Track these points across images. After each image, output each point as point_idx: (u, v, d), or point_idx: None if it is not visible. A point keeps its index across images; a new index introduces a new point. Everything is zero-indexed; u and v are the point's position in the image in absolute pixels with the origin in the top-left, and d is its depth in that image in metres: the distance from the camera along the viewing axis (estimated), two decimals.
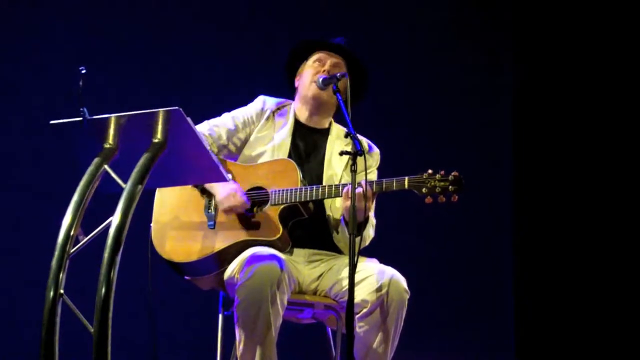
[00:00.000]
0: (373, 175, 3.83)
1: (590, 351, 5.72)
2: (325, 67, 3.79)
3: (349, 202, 3.36)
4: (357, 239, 3.30)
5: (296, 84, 3.90)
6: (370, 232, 3.71)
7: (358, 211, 3.35)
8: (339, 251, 3.75)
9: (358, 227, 3.41)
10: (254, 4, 5.75)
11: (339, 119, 3.84)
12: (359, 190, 3.40)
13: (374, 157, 3.88)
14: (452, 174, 3.47)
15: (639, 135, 5.79)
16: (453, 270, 5.85)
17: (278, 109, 3.87)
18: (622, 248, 5.75)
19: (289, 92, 3.94)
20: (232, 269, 3.53)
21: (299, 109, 3.87)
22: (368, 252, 3.72)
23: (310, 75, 3.80)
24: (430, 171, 3.48)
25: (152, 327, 3.57)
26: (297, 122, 3.85)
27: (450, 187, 3.45)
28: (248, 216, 3.63)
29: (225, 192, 3.61)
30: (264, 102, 3.87)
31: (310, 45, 3.85)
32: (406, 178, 3.49)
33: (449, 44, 5.99)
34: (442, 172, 3.47)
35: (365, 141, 3.88)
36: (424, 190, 3.46)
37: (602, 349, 5.71)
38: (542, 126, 5.93)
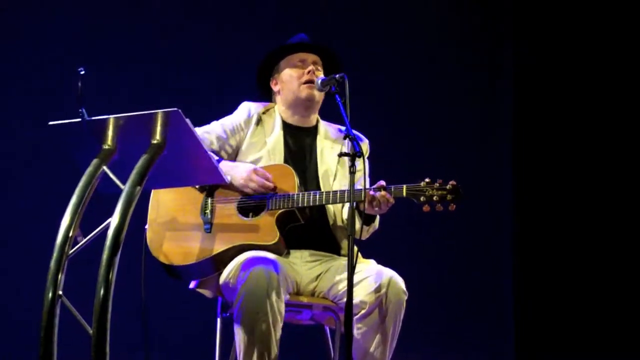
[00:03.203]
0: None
1: (590, 351, 5.72)
2: (308, 65, 3.79)
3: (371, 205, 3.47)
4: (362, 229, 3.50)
5: (275, 88, 3.90)
6: (375, 224, 3.74)
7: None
8: (337, 252, 3.75)
9: (367, 218, 3.60)
10: (253, 5, 5.74)
11: (333, 113, 3.83)
12: (375, 194, 3.46)
13: (363, 148, 3.88)
14: (450, 183, 3.46)
15: (638, 135, 5.79)
16: (452, 270, 5.85)
17: (264, 112, 3.87)
18: (622, 247, 5.75)
19: (263, 94, 3.94)
20: (227, 272, 3.52)
21: (284, 111, 3.87)
22: (366, 253, 3.72)
23: (295, 78, 3.80)
24: (427, 180, 3.48)
25: (145, 329, 3.57)
26: (285, 123, 3.86)
27: (448, 196, 3.45)
28: (245, 220, 3.63)
29: (244, 173, 3.61)
30: (249, 109, 3.86)
31: (286, 50, 3.85)
32: (404, 186, 3.49)
33: (449, 43, 5.98)
34: (440, 181, 3.47)
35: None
36: (422, 199, 3.46)
37: (602, 349, 5.71)
38: (542, 126, 5.93)
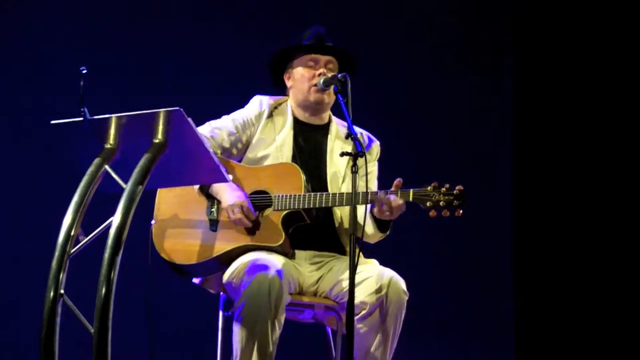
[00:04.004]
0: (373, 168, 3.82)
1: (590, 352, 5.72)
2: (320, 67, 3.77)
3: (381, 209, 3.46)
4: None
5: (288, 82, 3.86)
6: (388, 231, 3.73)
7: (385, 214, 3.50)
8: (340, 252, 3.74)
9: (384, 225, 3.58)
10: (253, 3, 5.75)
11: (337, 112, 3.82)
12: (392, 197, 3.44)
13: (374, 150, 3.88)
14: (457, 187, 3.44)
15: (639, 136, 5.79)
16: (453, 270, 5.84)
17: (275, 107, 3.85)
18: (622, 247, 5.75)
19: (277, 87, 3.91)
20: (231, 272, 3.54)
21: (296, 108, 3.85)
22: (368, 253, 3.72)
23: (306, 79, 3.76)
24: (435, 184, 3.45)
25: (150, 327, 3.57)
26: (296, 120, 3.84)
27: (454, 201, 3.42)
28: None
29: (232, 200, 3.57)
30: (261, 102, 3.84)
31: (300, 49, 3.81)
32: (411, 190, 3.47)
33: (449, 43, 5.98)
34: (447, 186, 3.44)
35: (365, 134, 3.87)
36: (428, 203, 3.44)
37: (602, 349, 5.71)
38: (542, 126, 5.93)
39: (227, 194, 3.60)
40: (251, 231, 3.59)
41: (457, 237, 5.77)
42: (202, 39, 5.58)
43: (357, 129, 3.82)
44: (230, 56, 5.57)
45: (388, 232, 3.69)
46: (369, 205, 3.56)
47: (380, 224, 3.61)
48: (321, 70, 3.75)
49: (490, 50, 6.02)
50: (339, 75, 3.56)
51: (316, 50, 3.78)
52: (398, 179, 3.48)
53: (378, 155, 3.90)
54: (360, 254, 3.57)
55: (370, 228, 3.62)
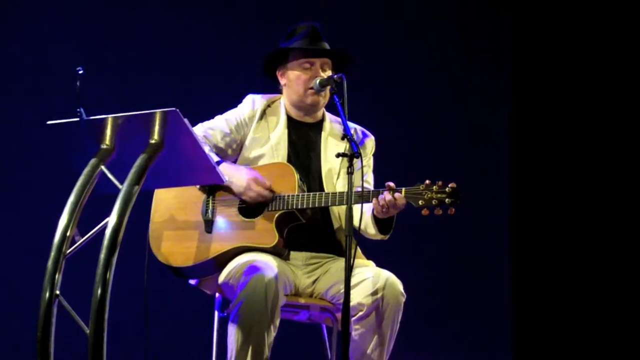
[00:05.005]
0: (369, 163, 3.82)
1: (589, 351, 5.72)
2: (316, 69, 3.73)
3: (378, 207, 3.43)
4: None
5: (281, 80, 3.83)
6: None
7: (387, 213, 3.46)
8: (337, 253, 3.73)
9: (388, 223, 3.54)
10: (253, 3, 5.75)
11: (332, 108, 3.80)
12: (388, 198, 3.41)
13: (368, 145, 3.86)
14: (450, 185, 3.39)
15: (638, 138, 5.79)
16: (451, 271, 5.84)
17: (268, 105, 3.84)
18: (621, 247, 5.74)
19: (270, 84, 3.90)
20: (227, 272, 3.53)
21: (290, 107, 3.83)
22: (366, 254, 3.71)
23: (302, 81, 3.73)
24: (427, 182, 3.41)
25: (146, 327, 3.57)
26: (289, 118, 3.82)
27: (447, 199, 3.37)
28: (245, 220, 3.62)
29: (244, 181, 3.58)
30: (254, 102, 3.82)
31: (296, 50, 3.78)
32: (403, 189, 3.43)
33: (449, 43, 5.98)
34: (440, 183, 3.39)
35: (359, 129, 3.86)
36: (420, 202, 3.39)
37: (601, 348, 5.70)
38: (542, 126, 5.92)
39: (235, 178, 3.60)
40: (246, 232, 3.59)
41: (455, 237, 5.76)
42: (201, 39, 5.57)
43: (351, 124, 3.80)
44: (230, 56, 5.56)
45: (389, 234, 3.66)
46: (370, 207, 3.55)
47: (381, 225, 3.60)
48: (317, 73, 3.73)
49: (490, 50, 6.01)
50: (335, 76, 3.56)
51: (312, 53, 3.75)
52: (390, 183, 3.46)
53: (373, 150, 3.88)
54: (359, 250, 3.57)
55: (372, 229, 3.61)
